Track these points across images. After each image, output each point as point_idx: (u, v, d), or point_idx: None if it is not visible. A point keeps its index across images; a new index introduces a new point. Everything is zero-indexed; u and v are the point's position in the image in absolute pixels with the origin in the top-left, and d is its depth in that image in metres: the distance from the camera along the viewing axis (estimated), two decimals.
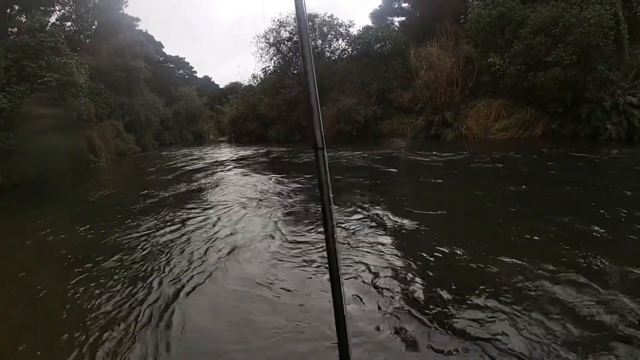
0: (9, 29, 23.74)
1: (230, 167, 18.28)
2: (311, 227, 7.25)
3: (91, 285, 5.51)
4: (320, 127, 1.29)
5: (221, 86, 68.44)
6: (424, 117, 23.31)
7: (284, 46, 33.76)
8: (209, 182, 13.98)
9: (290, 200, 9.91)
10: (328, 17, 32.13)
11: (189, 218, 8.77)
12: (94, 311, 4.74)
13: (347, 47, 32.41)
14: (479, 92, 22.34)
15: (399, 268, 5.19)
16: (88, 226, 8.90)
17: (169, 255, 6.49)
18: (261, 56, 36.64)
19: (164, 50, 53.59)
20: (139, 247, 7.09)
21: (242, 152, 25.32)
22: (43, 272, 6.43)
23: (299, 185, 11.72)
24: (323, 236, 1.52)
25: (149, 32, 47.06)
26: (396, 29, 31.78)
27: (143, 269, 6.02)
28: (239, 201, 10.08)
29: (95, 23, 35.51)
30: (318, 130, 1.28)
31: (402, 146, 20.53)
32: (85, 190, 15.81)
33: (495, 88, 21.05)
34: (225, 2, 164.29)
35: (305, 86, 1.32)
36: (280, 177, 13.57)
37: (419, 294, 4.43)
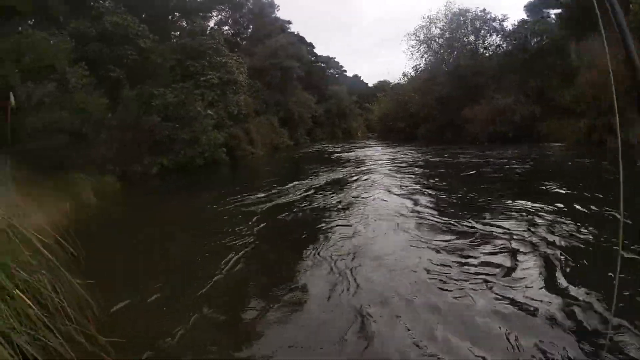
0: (172, 33, 27.09)
1: None
2: None
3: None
4: None
5: (369, 84, 68.91)
6: (586, 121, 18.83)
7: (435, 43, 32.72)
8: None
9: None
10: (480, 11, 30.64)
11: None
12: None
13: (501, 42, 30.27)
14: None
15: None
16: (248, 199, 10.73)
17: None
18: (412, 54, 35.43)
19: (314, 50, 55.39)
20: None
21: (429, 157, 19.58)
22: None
23: None
24: None
25: (300, 34, 48.95)
26: (553, 22, 27.90)
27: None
28: None
29: (251, 26, 39.26)
30: None
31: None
32: (244, 174, 18.10)
33: None
34: (370, 3, 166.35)
35: None
36: None
37: None
